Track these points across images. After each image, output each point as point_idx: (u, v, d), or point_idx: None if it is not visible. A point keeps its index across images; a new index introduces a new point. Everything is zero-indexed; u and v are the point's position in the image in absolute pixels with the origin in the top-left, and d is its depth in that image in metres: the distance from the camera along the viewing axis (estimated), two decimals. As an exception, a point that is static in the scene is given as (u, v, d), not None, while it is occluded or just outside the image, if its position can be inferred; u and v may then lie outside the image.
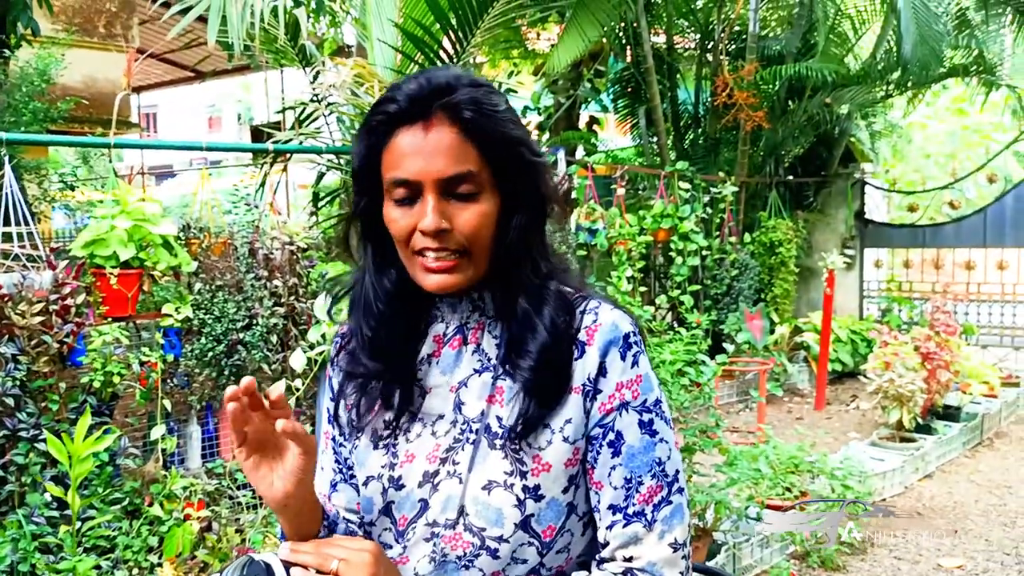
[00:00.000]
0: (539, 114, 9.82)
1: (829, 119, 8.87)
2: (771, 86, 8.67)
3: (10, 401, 3.40)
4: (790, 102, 9.03)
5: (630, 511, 1.08)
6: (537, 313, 1.11)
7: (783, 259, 8.57)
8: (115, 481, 3.74)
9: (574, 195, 7.09)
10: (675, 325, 7.02)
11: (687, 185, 7.60)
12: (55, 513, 3.40)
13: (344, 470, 1.23)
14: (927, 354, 5.89)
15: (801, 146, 9.19)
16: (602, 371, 1.10)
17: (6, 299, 3.44)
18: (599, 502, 1.10)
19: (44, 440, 3.31)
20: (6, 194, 3.55)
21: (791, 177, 9.44)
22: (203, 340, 3.97)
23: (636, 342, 1.12)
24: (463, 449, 1.10)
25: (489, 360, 1.14)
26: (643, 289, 7.28)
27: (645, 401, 1.11)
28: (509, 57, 10.67)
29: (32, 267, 3.60)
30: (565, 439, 1.09)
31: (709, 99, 8.99)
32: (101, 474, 3.59)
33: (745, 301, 7.96)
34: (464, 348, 1.16)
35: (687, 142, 9.61)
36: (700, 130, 9.58)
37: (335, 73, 5.14)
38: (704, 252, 7.76)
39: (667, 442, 1.12)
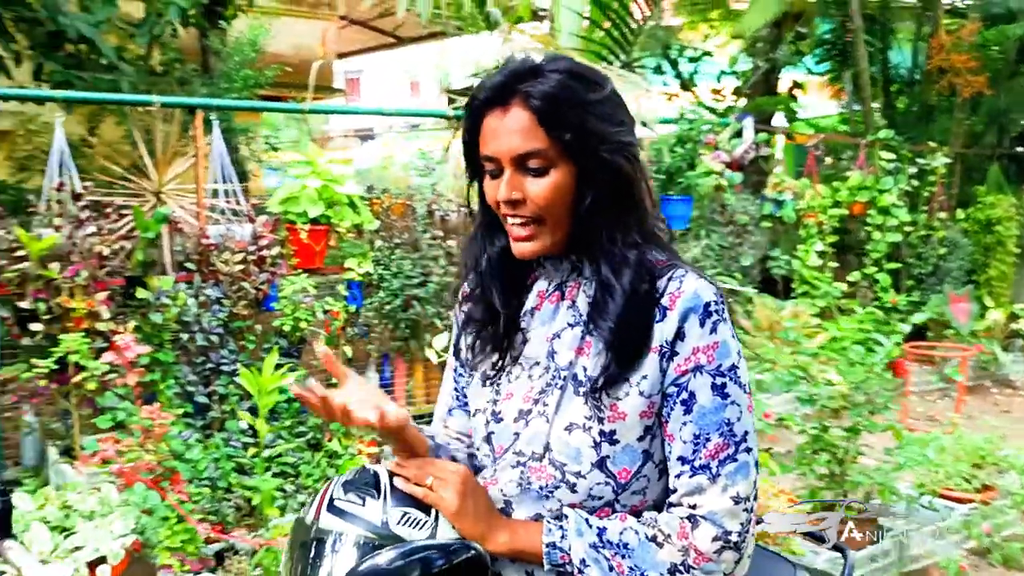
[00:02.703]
0: (736, 78, 9.48)
1: (1066, 85, 7.96)
2: (996, 48, 7.88)
3: (215, 338, 3.84)
4: (1022, 66, 8.17)
5: (697, 464, 1.18)
6: (617, 278, 1.21)
7: (1001, 238, 7.81)
8: (301, 416, 4.13)
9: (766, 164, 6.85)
10: (868, 304, 6.65)
11: (892, 155, 7.10)
12: (250, 440, 3.82)
13: (460, 398, 1.44)
14: None
15: (1029, 115, 8.31)
16: (680, 335, 1.19)
17: (213, 248, 3.88)
18: (671, 453, 1.21)
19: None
20: (215, 155, 3.96)
21: (1019, 148, 8.57)
22: (381, 294, 4.27)
23: (717, 311, 1.20)
24: (552, 393, 1.24)
25: (580, 316, 1.26)
26: (835, 265, 6.92)
27: (720, 366, 1.19)
28: (708, 19, 10.36)
29: (236, 221, 4.01)
30: (640, 393, 1.19)
31: (925, 62, 8.31)
32: (289, 408, 3.97)
33: (953, 282, 7.37)
34: (561, 303, 1.29)
35: (898, 109, 8.94)
36: (913, 96, 8.88)
37: (519, 40, 5.26)
38: (908, 228, 7.24)
39: (739, 405, 1.19)
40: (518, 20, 6.32)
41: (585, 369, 1.22)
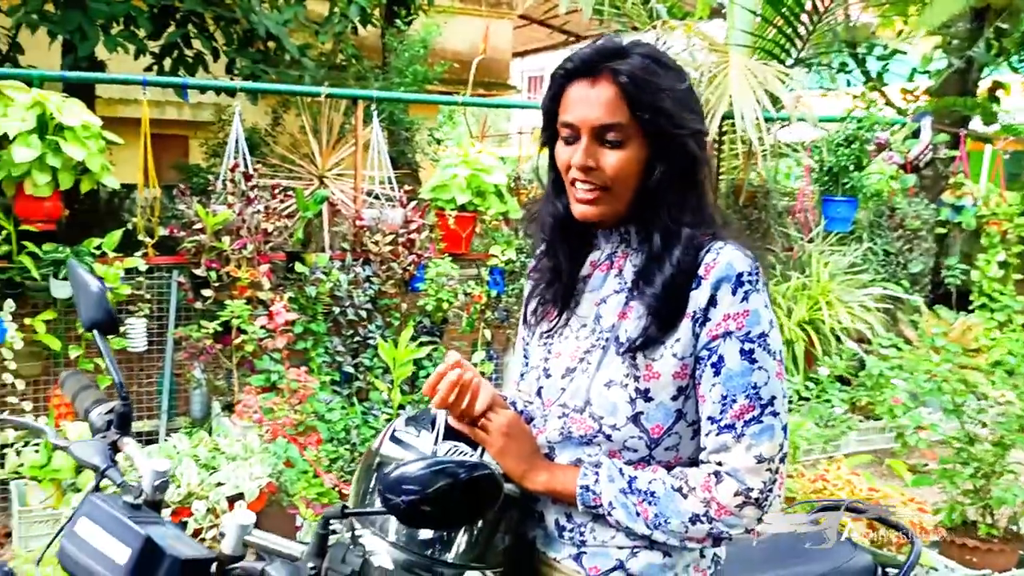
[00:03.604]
0: (929, 78, 8.88)
1: None
2: None
3: (363, 313, 4.13)
4: None
5: (723, 423, 1.26)
6: (667, 252, 1.30)
7: None
8: (441, 392, 4.35)
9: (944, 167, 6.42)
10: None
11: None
12: (389, 410, 4.08)
13: (527, 363, 1.55)
14: None
15: None
16: (712, 302, 1.26)
17: (366, 229, 4.17)
18: (702, 412, 1.29)
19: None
20: (373, 143, 4.25)
21: None
22: (523, 281, 4.41)
23: (750, 281, 1.27)
24: (595, 353, 1.35)
25: (625, 284, 1.37)
26: (1020, 278, 6.37)
27: (749, 333, 1.26)
28: (904, 14, 9.75)
29: (388, 205, 4.29)
30: (674, 355, 1.28)
31: None
32: (429, 384, 4.20)
33: None
34: (610, 272, 1.40)
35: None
36: None
37: (680, 37, 5.25)
38: (1113, 241, 6.53)
39: (766, 371, 1.26)
40: (685, 15, 6.27)
41: (626, 331, 1.31)
